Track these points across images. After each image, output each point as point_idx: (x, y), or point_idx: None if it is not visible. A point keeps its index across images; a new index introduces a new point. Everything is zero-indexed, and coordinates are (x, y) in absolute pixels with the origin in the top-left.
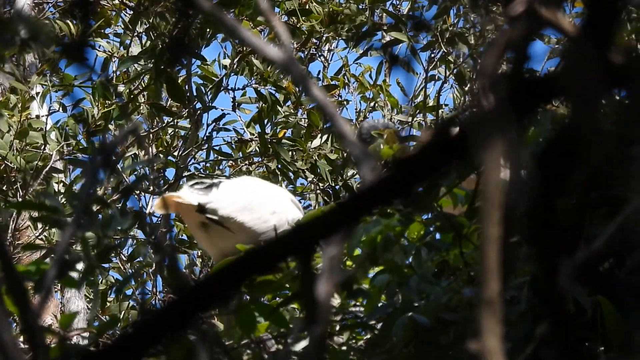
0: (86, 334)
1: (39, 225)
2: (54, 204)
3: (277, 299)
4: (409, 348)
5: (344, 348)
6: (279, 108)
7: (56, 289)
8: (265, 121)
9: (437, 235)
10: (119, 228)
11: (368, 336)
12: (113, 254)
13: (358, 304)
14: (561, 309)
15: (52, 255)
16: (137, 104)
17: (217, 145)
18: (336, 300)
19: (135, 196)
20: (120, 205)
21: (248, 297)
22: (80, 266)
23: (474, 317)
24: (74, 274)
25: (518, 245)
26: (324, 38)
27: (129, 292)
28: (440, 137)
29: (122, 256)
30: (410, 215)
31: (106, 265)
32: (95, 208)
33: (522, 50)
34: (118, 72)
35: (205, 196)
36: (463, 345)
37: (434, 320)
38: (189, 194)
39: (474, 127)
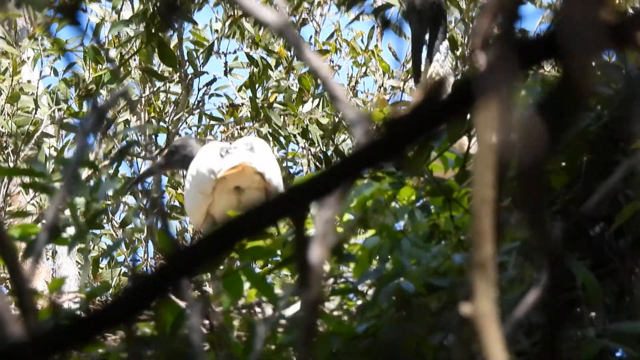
0: (77, 299)
1: (30, 191)
2: (42, 170)
3: (269, 265)
4: (399, 313)
5: (335, 313)
6: (271, 72)
7: (48, 257)
8: (257, 86)
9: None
10: (108, 192)
11: (359, 302)
12: (105, 221)
13: (348, 268)
14: (552, 273)
15: (43, 221)
16: (129, 68)
17: (209, 110)
18: (327, 266)
19: (127, 162)
20: (112, 170)
21: (239, 263)
22: (70, 231)
23: (465, 282)
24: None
25: (508, 209)
26: (316, 2)
27: (120, 258)
28: (431, 98)
29: (114, 223)
30: (402, 178)
31: (98, 232)
32: (85, 173)
33: (513, 11)
34: (110, 37)
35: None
36: (453, 310)
37: (423, 285)
38: (257, 160)
39: (466, 88)
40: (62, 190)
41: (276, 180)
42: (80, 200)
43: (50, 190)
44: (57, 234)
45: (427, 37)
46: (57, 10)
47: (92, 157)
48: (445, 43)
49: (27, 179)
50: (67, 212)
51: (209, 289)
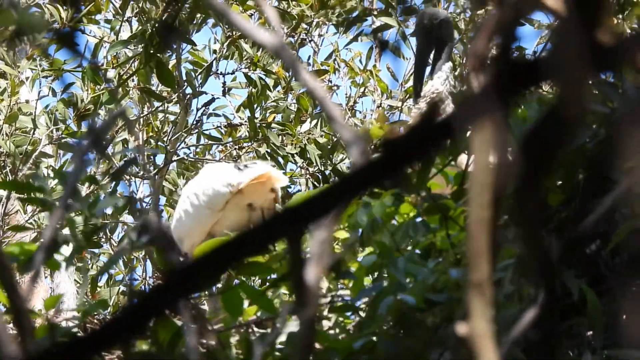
0: (74, 317)
1: (29, 209)
2: (41, 184)
3: (267, 282)
4: (396, 329)
5: (332, 332)
6: (269, 92)
7: (46, 275)
8: (255, 106)
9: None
10: (107, 210)
11: (356, 319)
12: (103, 240)
13: (344, 286)
14: (548, 290)
15: (41, 240)
16: (127, 88)
17: (208, 130)
18: (324, 284)
19: (126, 181)
20: (110, 189)
21: (237, 281)
22: (68, 248)
23: (461, 298)
24: (61, 256)
25: (505, 227)
26: (314, 23)
27: (119, 277)
28: (429, 119)
29: (113, 242)
30: (400, 195)
31: (96, 251)
32: (85, 189)
33: (511, 32)
34: (109, 57)
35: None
36: (450, 326)
37: (421, 300)
38: (279, 173)
39: (463, 108)
40: (60, 205)
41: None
42: (78, 218)
43: (48, 205)
44: (55, 251)
45: (431, 55)
46: (56, 36)
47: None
48: (449, 64)
49: (25, 195)
50: (66, 229)
51: (206, 306)
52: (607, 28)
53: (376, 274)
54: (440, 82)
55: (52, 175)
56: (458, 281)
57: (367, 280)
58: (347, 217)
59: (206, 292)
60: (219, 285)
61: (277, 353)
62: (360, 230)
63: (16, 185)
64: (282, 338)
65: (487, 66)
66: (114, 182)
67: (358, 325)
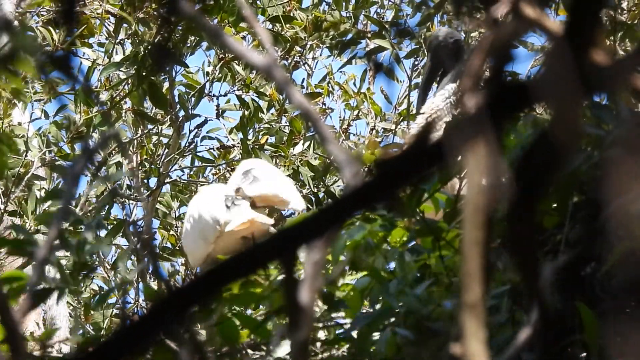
0: (68, 344)
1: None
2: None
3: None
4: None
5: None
6: (262, 115)
7: None
8: (248, 128)
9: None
10: (95, 251)
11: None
12: (97, 262)
13: (338, 311)
14: (542, 313)
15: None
16: (120, 110)
17: (201, 152)
18: (318, 307)
19: (119, 204)
20: (104, 212)
21: (231, 309)
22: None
23: (456, 324)
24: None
25: (498, 250)
26: (308, 46)
27: (112, 300)
28: (422, 141)
29: (106, 265)
30: (393, 220)
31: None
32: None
33: (504, 54)
34: (102, 79)
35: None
36: (445, 354)
37: (417, 332)
38: (263, 216)
39: (456, 131)
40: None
41: (290, 196)
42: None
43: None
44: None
45: (439, 74)
46: (50, 60)
47: (82, 199)
48: (454, 85)
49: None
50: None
51: (201, 332)
52: (600, 49)
53: (370, 297)
54: (441, 99)
55: (44, 197)
56: (452, 311)
57: (364, 304)
58: (340, 239)
59: (201, 322)
60: (214, 315)
61: None
62: (345, 253)
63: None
64: None
65: (480, 88)
66: (107, 205)
67: (352, 356)
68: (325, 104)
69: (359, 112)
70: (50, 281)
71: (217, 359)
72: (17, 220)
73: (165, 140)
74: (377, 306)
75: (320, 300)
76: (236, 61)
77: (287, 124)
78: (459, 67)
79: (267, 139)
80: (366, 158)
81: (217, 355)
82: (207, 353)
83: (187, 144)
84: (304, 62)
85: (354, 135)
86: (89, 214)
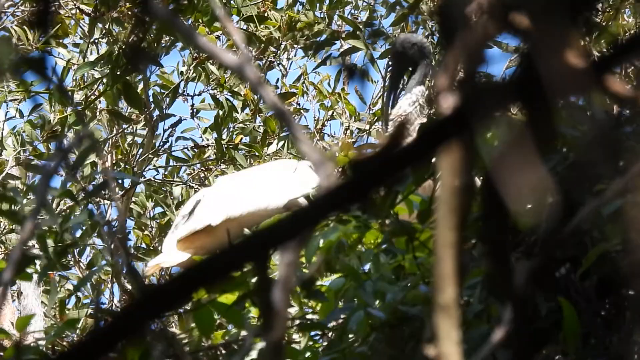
0: (42, 339)
1: None
2: (13, 195)
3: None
4: (364, 347)
5: (301, 352)
6: (236, 114)
7: (14, 298)
8: (222, 127)
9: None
10: (78, 229)
11: (324, 342)
12: (72, 262)
13: (312, 309)
14: (517, 312)
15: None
16: (95, 110)
17: (175, 151)
18: (293, 307)
19: (94, 204)
20: (80, 210)
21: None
22: (38, 265)
23: (430, 314)
24: (31, 271)
25: (472, 247)
26: (282, 46)
27: (87, 300)
28: (395, 143)
29: (81, 264)
30: (367, 222)
31: (64, 273)
32: (58, 205)
33: (478, 55)
34: (77, 78)
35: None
36: (418, 343)
37: (391, 316)
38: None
39: (429, 131)
40: (30, 218)
41: (283, 197)
42: (49, 238)
43: (19, 218)
44: (26, 266)
45: (404, 80)
46: (25, 62)
47: (57, 199)
48: (421, 87)
49: None
50: (36, 245)
51: (176, 327)
52: (575, 51)
53: (345, 297)
54: (408, 103)
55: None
56: (427, 295)
57: (339, 305)
58: (314, 241)
59: (177, 311)
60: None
61: None
62: (319, 254)
63: None
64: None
65: (455, 89)
66: (83, 205)
67: (327, 346)
68: (299, 104)
69: (333, 112)
70: (32, 256)
71: (191, 357)
72: None
73: (139, 140)
74: (353, 304)
75: (300, 290)
76: (210, 61)
77: (262, 123)
78: (423, 69)
79: (241, 139)
80: (340, 160)
81: (191, 353)
82: (181, 348)
83: (162, 144)
84: (278, 62)
85: (329, 135)
86: (63, 213)
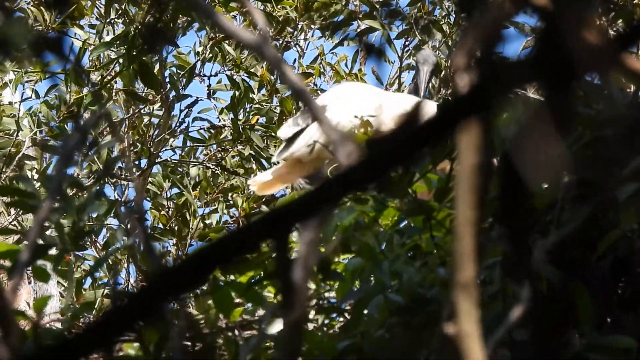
0: (59, 320)
1: (12, 211)
2: (30, 189)
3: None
4: (382, 331)
5: (318, 334)
6: (252, 95)
7: (29, 278)
8: (239, 108)
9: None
10: (95, 214)
11: (341, 321)
12: (88, 243)
13: (330, 288)
14: (534, 292)
15: (25, 242)
16: (111, 90)
17: (192, 131)
18: (311, 286)
19: (111, 184)
20: (96, 192)
21: (223, 279)
22: (53, 251)
23: (449, 297)
24: (46, 261)
25: (490, 227)
26: (299, 27)
27: (103, 281)
28: (413, 121)
29: (98, 245)
30: (384, 201)
31: (81, 254)
32: (70, 192)
33: (495, 34)
34: (93, 58)
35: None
36: (437, 327)
37: (409, 300)
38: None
39: (447, 110)
40: (45, 207)
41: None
42: (65, 220)
43: (37, 209)
44: (42, 253)
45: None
46: (42, 41)
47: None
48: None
49: (9, 198)
50: (52, 231)
51: (193, 308)
52: (592, 29)
53: (361, 277)
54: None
55: (35, 178)
56: (446, 279)
57: (355, 284)
58: (332, 221)
59: (195, 293)
60: (208, 284)
61: (263, 355)
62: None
63: (4, 190)
64: (269, 339)
65: (472, 68)
66: (99, 185)
67: (344, 326)
68: (316, 85)
69: None
70: (48, 242)
71: (209, 337)
72: (8, 200)
73: (156, 121)
74: (370, 285)
75: (316, 270)
76: (226, 41)
77: (278, 104)
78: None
79: (257, 119)
80: (359, 138)
81: (209, 333)
82: (199, 330)
83: (178, 124)
84: (295, 43)
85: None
86: (79, 195)
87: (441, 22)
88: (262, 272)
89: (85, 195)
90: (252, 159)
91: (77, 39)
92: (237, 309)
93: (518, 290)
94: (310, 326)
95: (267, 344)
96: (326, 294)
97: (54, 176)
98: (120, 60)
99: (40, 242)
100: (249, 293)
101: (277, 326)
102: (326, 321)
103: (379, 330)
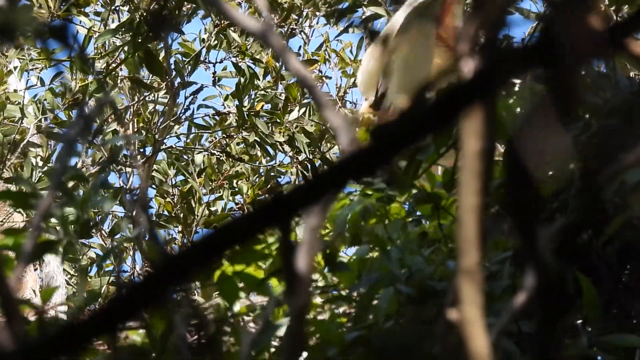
0: (65, 309)
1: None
2: (28, 188)
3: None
4: (391, 322)
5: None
6: (257, 82)
7: (35, 266)
8: (244, 95)
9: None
10: (99, 205)
11: (349, 311)
12: (94, 231)
13: (337, 279)
14: (539, 278)
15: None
16: (116, 78)
17: (197, 118)
18: (316, 274)
19: (116, 172)
20: (100, 182)
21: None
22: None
23: (454, 287)
24: (52, 254)
25: (497, 217)
26: (304, 14)
27: (109, 268)
28: (418, 105)
29: (103, 232)
30: (391, 195)
31: (86, 242)
32: (73, 184)
33: (500, 19)
34: (98, 46)
35: None
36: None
37: (419, 291)
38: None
39: (452, 95)
40: (47, 199)
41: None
42: (69, 211)
43: (32, 202)
44: (46, 251)
45: None
46: (47, 28)
47: (78, 165)
48: None
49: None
50: (57, 225)
51: (199, 296)
52: (599, 14)
53: (369, 266)
54: None
55: (40, 165)
56: (454, 272)
57: (361, 272)
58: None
59: (201, 283)
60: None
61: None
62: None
63: (9, 195)
64: (273, 329)
65: (476, 52)
66: (103, 173)
67: (353, 317)
68: (321, 72)
69: (355, 80)
70: (53, 233)
71: (214, 325)
72: (13, 187)
73: (161, 108)
74: (378, 274)
75: (322, 261)
76: (232, 28)
77: (283, 91)
78: None
79: (262, 106)
80: (360, 135)
81: (214, 321)
82: (205, 318)
83: (183, 111)
84: (300, 30)
85: (350, 103)
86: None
87: None
88: (269, 262)
89: (87, 186)
90: (257, 146)
91: (82, 26)
92: (243, 306)
93: (525, 280)
94: (320, 317)
95: (272, 335)
96: (333, 284)
97: (56, 167)
98: (126, 48)
99: (45, 235)
100: (259, 286)
101: (282, 320)
102: (336, 310)
103: (388, 321)
